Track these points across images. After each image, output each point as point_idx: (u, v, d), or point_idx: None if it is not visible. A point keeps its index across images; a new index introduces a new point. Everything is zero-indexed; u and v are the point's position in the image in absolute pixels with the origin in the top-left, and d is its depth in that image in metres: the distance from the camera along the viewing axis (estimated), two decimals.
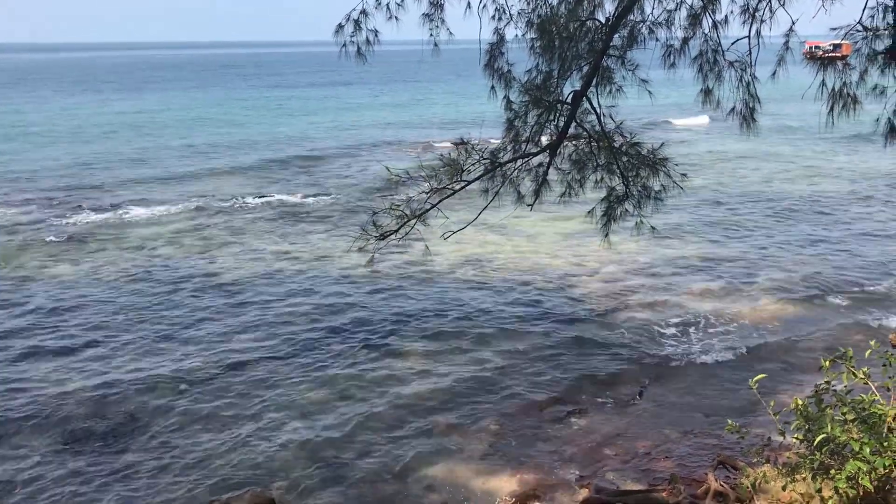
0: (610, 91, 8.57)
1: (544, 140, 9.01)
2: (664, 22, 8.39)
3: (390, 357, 12.80)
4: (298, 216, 23.74)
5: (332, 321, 14.46)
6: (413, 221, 8.21)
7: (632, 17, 8.37)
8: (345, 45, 7.86)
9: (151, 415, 10.94)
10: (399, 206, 8.25)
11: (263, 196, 26.76)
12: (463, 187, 8.37)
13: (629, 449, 9.86)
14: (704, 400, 11.25)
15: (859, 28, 7.29)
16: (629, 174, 8.85)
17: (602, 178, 9.06)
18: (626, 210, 9.05)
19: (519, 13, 8.82)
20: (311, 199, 26.23)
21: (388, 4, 8.05)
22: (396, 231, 8.25)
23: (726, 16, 8.12)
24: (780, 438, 5.80)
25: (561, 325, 14.17)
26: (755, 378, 6.34)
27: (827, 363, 6.07)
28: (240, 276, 17.41)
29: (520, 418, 10.75)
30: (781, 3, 7.56)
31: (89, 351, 13.06)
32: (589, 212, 9.27)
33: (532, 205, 9.11)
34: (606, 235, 9.29)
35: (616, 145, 8.73)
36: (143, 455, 9.87)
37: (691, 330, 13.79)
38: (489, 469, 9.48)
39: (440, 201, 8.28)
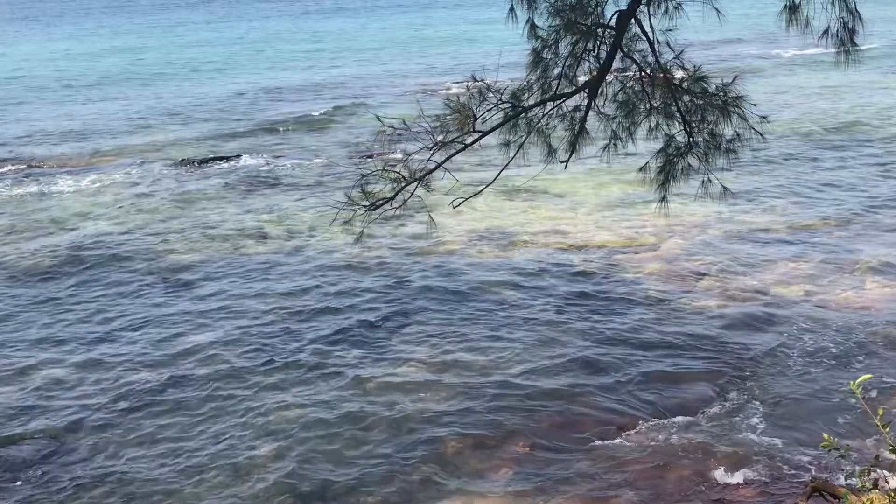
0: (666, 10, 8.60)
1: (581, 77, 9.11)
2: None
3: (387, 361, 12.86)
4: (267, 182, 23.93)
5: (310, 316, 14.58)
6: (413, 186, 8.31)
7: None
8: None
9: (82, 439, 11.03)
10: (394, 166, 8.40)
11: (221, 157, 26.89)
12: (476, 141, 8.52)
13: (697, 472, 9.88)
14: (793, 408, 11.27)
15: None
16: (692, 118, 8.88)
17: (657, 125, 9.12)
18: (689, 165, 9.16)
19: None
20: (282, 161, 26.40)
21: None
22: (391, 199, 8.39)
23: None
24: (892, 457, 5.81)
25: (606, 317, 14.19)
26: (858, 380, 6.34)
27: None
28: (193, 260, 17.57)
29: (555, 436, 10.80)
30: None
31: None
32: (640, 168, 9.37)
33: (567, 161, 9.31)
34: (664, 199, 9.47)
35: (675, 81, 8.76)
36: (71, 493, 9.97)
37: (775, 321, 13.80)
38: (517, 502, 9.55)
39: (447, 159, 8.41)
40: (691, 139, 9.00)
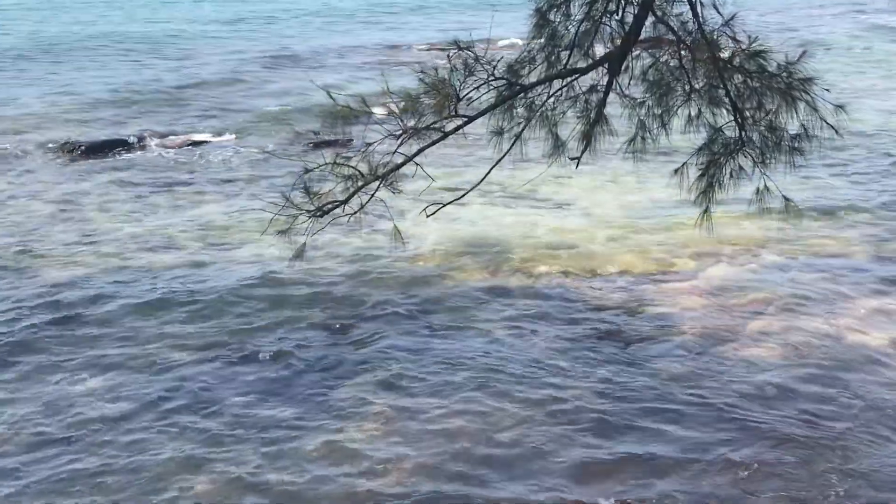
0: None
1: (599, 49, 9.20)
2: None
3: (331, 422, 12.77)
4: (177, 176, 23.95)
5: (229, 359, 14.49)
6: (373, 186, 8.43)
7: None
8: None
9: None
10: (350, 159, 8.51)
11: (118, 142, 26.85)
12: (459, 128, 8.58)
13: None
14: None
15: None
16: (745, 106, 9.01)
17: (699, 114, 9.29)
18: (741, 168, 9.34)
19: None
20: (201, 148, 26.46)
21: None
22: (345, 202, 8.48)
23: None
24: None
25: (626, 370, 14.13)
26: None
27: None
28: (75, 277, 17.46)
29: None
30: None
31: None
32: (676, 171, 9.53)
33: (579, 158, 9.40)
34: (706, 212, 9.67)
35: (723, 56, 8.89)
36: None
37: (854, 380, 13.74)
38: None
39: (420, 151, 8.51)
40: (743, 133, 9.12)
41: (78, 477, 11.52)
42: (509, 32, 30.99)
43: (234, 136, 27.99)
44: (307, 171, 8.44)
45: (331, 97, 8.36)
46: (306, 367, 14.16)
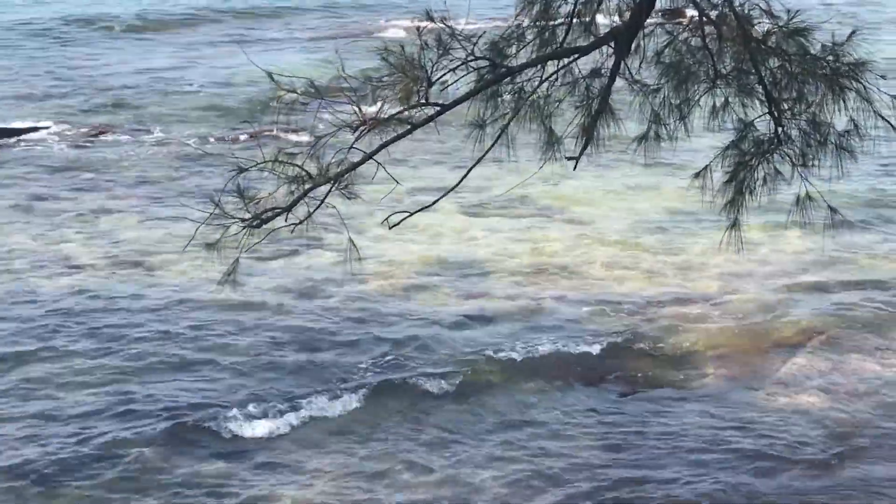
0: None
1: (602, 21, 9.25)
2: None
3: (274, 478, 12.76)
4: (80, 176, 23.90)
5: (142, 408, 14.34)
6: (324, 189, 8.39)
7: None
8: None
9: None
10: (295, 156, 8.44)
11: (4, 132, 26.82)
12: (430, 119, 8.62)
13: None
14: None
15: None
16: (783, 95, 9.06)
17: (725, 104, 9.31)
18: (777, 172, 9.37)
19: None
20: (107, 141, 26.40)
21: None
22: (288, 209, 8.46)
23: None
24: None
25: (639, 420, 14.13)
26: None
27: None
28: None
29: None
30: None
31: None
32: (698, 174, 9.53)
33: (578, 158, 9.39)
34: (735, 224, 9.68)
35: (756, 34, 8.93)
36: None
37: None
38: None
39: (382, 147, 8.48)
40: (780, 129, 9.16)
41: None
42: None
43: (151, 126, 27.81)
44: (241, 170, 8.31)
45: (272, 80, 8.32)
46: (229, 422, 13.98)
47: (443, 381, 14.96)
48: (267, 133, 23.54)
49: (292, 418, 14.04)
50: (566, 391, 14.89)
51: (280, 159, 8.40)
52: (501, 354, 15.83)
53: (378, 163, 8.48)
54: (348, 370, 15.30)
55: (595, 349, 16.05)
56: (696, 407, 14.45)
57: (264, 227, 8.45)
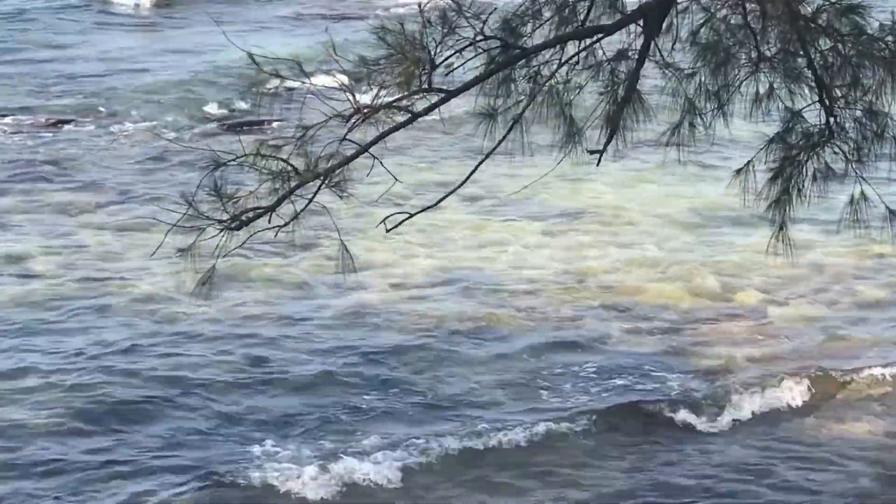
0: None
1: None
2: None
3: None
4: (33, 171, 23.90)
5: (102, 438, 14.25)
6: (315, 185, 8.40)
7: None
8: None
9: None
10: (279, 148, 8.46)
11: None
12: (434, 107, 8.74)
13: None
14: None
15: None
16: (835, 81, 9.08)
17: (770, 91, 9.40)
18: (829, 168, 9.43)
19: None
20: (63, 131, 26.51)
21: None
22: (272, 209, 8.46)
23: None
24: None
25: (674, 452, 14.18)
26: None
27: None
28: None
29: None
30: None
31: None
32: (739, 171, 9.62)
33: (601, 152, 9.48)
34: (782, 228, 9.76)
35: (805, 13, 8.92)
36: None
37: None
38: None
39: (378, 139, 8.57)
40: (832, 120, 9.14)
41: None
42: None
43: (118, 116, 27.82)
44: (219, 165, 8.20)
45: (254, 61, 8.19)
46: (207, 451, 13.97)
47: (442, 389, 15.23)
48: (248, 123, 23.26)
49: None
50: (581, 412, 14.86)
51: (262, 152, 8.35)
52: (508, 370, 15.96)
53: (374, 156, 8.47)
54: (331, 383, 15.38)
55: (619, 362, 16.17)
56: (739, 436, 14.49)
57: (245, 229, 8.41)
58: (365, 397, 15.08)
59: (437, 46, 8.39)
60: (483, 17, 8.57)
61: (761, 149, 9.39)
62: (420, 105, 8.50)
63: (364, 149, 8.36)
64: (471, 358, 16.33)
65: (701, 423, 14.68)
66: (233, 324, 16.94)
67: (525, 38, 8.98)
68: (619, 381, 15.72)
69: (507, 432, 14.34)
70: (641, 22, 8.97)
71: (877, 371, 15.80)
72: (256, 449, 13.84)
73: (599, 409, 14.91)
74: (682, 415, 14.90)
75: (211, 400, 15.05)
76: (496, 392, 15.38)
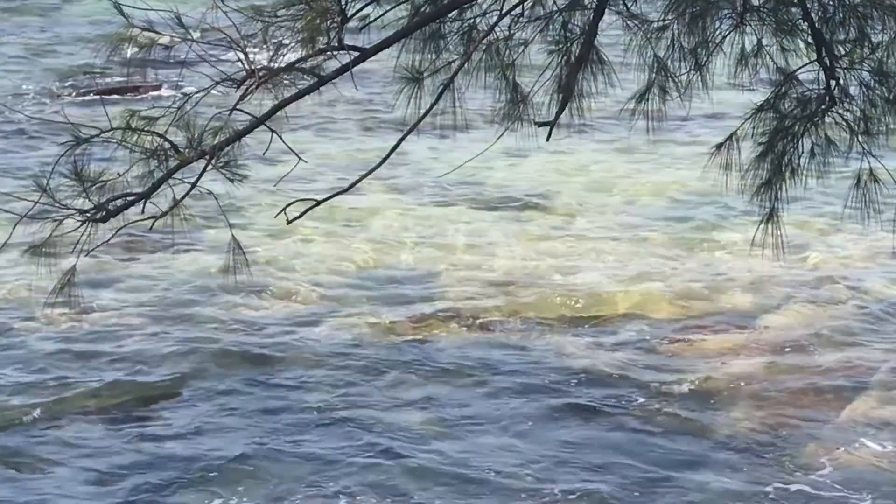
0: None
1: None
2: None
3: None
4: None
5: None
6: (200, 166, 8.46)
7: None
8: None
9: None
10: (154, 120, 8.48)
11: None
12: (346, 69, 8.61)
13: None
14: None
15: None
16: (839, 37, 9.22)
17: (757, 48, 9.45)
18: (828, 140, 9.52)
19: None
20: None
21: None
22: (146, 196, 8.54)
23: None
24: None
25: (652, 483, 14.25)
26: None
27: None
28: None
29: None
30: None
31: None
32: (720, 145, 9.73)
33: (552, 123, 9.51)
34: (773, 214, 9.89)
35: None
36: None
37: None
38: None
39: (279, 108, 8.54)
40: (834, 81, 9.21)
41: None
42: None
43: None
44: (80, 141, 8.28)
45: (121, 13, 8.20)
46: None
47: (362, 414, 15.01)
48: (116, 90, 23.50)
49: None
50: (523, 443, 14.82)
51: (134, 126, 8.37)
52: (442, 389, 16.01)
53: (272, 130, 8.54)
54: (219, 406, 15.35)
55: (580, 383, 16.16)
56: (728, 457, 14.60)
57: (113, 220, 8.46)
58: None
59: None
60: None
61: (747, 118, 9.49)
62: (329, 67, 8.51)
63: (260, 121, 8.42)
64: (395, 378, 16.28)
65: (684, 446, 14.73)
66: (95, 337, 16.93)
67: None
68: (569, 407, 15.52)
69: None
70: None
71: (882, 385, 15.93)
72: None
73: (550, 431, 14.88)
74: (663, 436, 14.96)
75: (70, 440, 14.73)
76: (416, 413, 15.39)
